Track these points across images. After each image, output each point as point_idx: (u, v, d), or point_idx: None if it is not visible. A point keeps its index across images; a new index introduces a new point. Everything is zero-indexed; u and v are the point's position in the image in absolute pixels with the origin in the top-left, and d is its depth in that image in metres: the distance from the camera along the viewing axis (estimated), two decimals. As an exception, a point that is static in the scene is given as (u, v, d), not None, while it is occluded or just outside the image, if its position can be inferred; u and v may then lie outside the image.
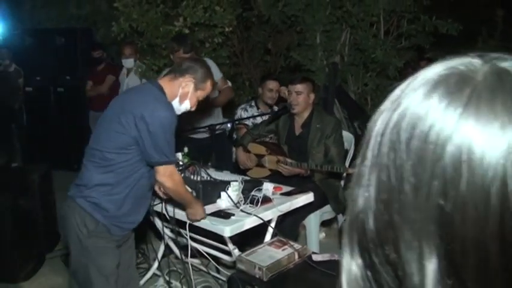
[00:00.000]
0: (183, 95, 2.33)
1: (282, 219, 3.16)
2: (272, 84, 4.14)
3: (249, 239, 2.90)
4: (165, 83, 2.33)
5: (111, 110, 2.33)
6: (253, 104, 4.24)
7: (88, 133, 5.81)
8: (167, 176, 2.28)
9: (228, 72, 5.36)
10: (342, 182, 3.62)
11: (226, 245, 2.78)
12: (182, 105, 2.36)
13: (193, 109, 2.42)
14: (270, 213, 2.68)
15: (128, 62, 4.97)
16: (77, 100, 6.18)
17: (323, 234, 4.03)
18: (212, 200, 2.63)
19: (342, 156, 3.39)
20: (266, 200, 2.72)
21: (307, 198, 2.91)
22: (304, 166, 3.20)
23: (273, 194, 2.83)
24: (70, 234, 2.21)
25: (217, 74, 3.75)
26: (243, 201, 2.67)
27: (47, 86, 6.40)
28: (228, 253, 2.90)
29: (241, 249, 2.73)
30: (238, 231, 2.52)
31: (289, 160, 3.29)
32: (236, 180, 2.78)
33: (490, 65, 0.41)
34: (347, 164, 3.49)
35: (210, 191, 2.68)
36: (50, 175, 4.13)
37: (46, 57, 6.16)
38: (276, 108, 4.10)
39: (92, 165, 2.23)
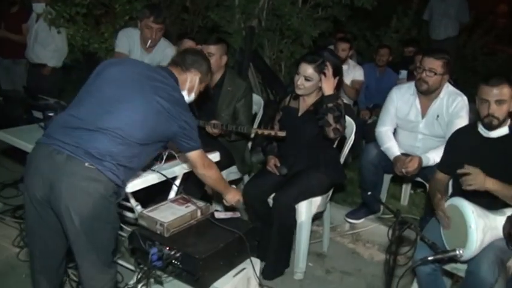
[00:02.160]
0: (190, 88, 2.40)
1: (188, 177, 3.22)
2: (188, 43, 4.08)
3: (156, 198, 2.91)
4: (178, 75, 2.34)
5: (131, 92, 2.15)
6: None
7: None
8: (206, 165, 2.47)
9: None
10: (249, 144, 3.71)
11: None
12: (189, 98, 2.43)
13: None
14: (176, 170, 2.71)
15: (39, 7, 4.70)
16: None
17: None
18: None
19: (250, 120, 3.47)
20: (171, 157, 2.74)
21: (212, 157, 2.94)
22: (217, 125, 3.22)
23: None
24: (92, 205, 2.02)
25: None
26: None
27: None
28: (132, 210, 2.90)
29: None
30: (140, 187, 2.52)
31: (196, 120, 3.31)
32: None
33: None
34: (255, 126, 3.58)
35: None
36: None
37: None
38: None
39: (113, 144, 2.06)
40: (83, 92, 2.19)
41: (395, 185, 4.14)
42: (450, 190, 2.77)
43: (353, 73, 5.01)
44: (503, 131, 2.47)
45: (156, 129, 2.17)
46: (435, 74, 3.11)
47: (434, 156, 3.10)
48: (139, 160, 2.22)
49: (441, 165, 2.75)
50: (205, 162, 2.49)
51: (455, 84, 3.51)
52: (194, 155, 2.41)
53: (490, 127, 2.46)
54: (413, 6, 6.99)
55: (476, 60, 7.45)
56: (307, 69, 2.97)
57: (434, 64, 3.10)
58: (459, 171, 2.34)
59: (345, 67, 4.94)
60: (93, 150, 2.01)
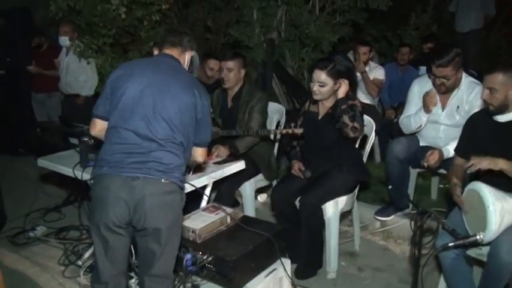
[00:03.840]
0: (187, 66, 2.51)
1: (219, 187, 3.37)
2: (213, 63, 4.27)
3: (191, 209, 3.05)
4: (178, 56, 2.44)
5: (157, 94, 2.22)
6: None
7: (31, 115, 5.80)
8: (205, 155, 2.49)
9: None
10: (276, 147, 3.85)
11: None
12: None
13: None
14: (203, 181, 2.86)
15: (62, 40, 4.99)
16: (19, 82, 6.09)
17: (265, 195, 4.37)
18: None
19: (262, 126, 3.53)
20: (199, 168, 2.90)
21: (238, 166, 3.10)
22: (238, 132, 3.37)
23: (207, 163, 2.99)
24: (170, 215, 2.21)
25: None
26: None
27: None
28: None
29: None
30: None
31: (220, 131, 3.48)
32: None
33: None
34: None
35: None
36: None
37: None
38: None
39: (171, 153, 2.21)
40: (115, 118, 2.23)
41: (424, 180, 4.17)
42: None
43: (373, 73, 5.08)
44: (511, 115, 2.52)
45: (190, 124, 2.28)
46: (448, 79, 3.17)
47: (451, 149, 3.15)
48: (187, 154, 2.35)
49: (458, 149, 2.81)
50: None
51: (478, 77, 3.52)
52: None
53: (489, 113, 2.54)
54: (430, 2, 6.98)
55: (500, 49, 7.37)
56: (321, 75, 3.08)
57: (445, 71, 3.15)
58: (468, 164, 2.41)
59: (366, 69, 5.05)
60: (161, 166, 2.16)
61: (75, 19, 5.13)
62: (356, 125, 3.00)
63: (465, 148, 2.73)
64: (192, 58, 2.52)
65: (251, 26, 5.63)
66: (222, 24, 6.27)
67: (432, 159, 3.18)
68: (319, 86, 3.09)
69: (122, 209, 2.14)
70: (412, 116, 3.44)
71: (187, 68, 2.49)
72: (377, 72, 5.12)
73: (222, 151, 3.26)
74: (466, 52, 6.48)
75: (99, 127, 2.34)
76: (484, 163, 2.36)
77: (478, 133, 2.65)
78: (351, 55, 5.69)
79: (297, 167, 3.30)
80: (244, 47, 5.68)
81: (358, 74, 5.08)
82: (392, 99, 5.35)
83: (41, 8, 6.64)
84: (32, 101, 5.78)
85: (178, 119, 2.20)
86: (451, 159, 3.14)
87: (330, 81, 3.07)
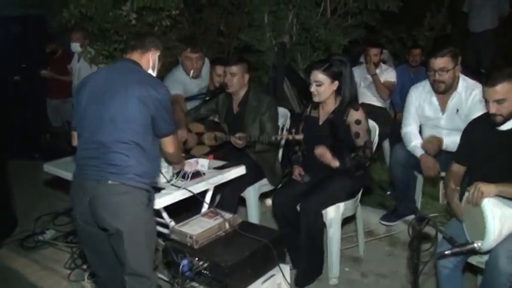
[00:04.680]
0: (153, 66, 2.57)
1: (223, 191, 3.38)
2: (220, 69, 4.28)
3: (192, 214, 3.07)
4: (137, 58, 2.51)
5: (107, 100, 2.32)
6: None
7: (46, 121, 5.92)
8: (175, 145, 2.52)
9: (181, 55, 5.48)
10: (280, 152, 3.84)
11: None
12: (154, 74, 2.60)
13: None
14: (201, 186, 2.86)
15: (74, 46, 5.11)
16: (34, 88, 6.23)
17: (269, 201, 4.29)
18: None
19: (276, 131, 3.58)
20: (197, 174, 2.91)
21: (238, 171, 3.09)
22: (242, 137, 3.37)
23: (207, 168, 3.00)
24: (126, 216, 2.27)
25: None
26: (175, 177, 2.85)
27: (3, 75, 6.42)
28: (167, 226, 3.08)
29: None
30: (168, 203, 2.68)
31: (224, 135, 3.49)
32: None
33: None
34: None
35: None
36: (4, 163, 4.22)
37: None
38: None
39: (121, 153, 2.28)
40: (78, 126, 2.43)
41: (434, 185, 4.11)
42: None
43: (384, 75, 5.02)
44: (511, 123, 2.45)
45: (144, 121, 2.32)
46: (447, 71, 3.13)
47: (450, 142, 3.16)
48: (154, 153, 2.41)
49: (457, 156, 2.75)
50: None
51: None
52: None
53: (495, 124, 2.45)
54: (445, 3, 6.88)
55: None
56: (317, 75, 3.08)
57: (443, 62, 3.13)
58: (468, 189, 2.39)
59: (377, 71, 5.00)
60: (113, 168, 2.26)
61: (88, 25, 5.21)
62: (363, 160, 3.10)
63: (464, 156, 2.68)
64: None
65: (262, 30, 5.62)
66: (235, 28, 6.29)
67: (430, 146, 3.19)
68: (317, 85, 3.09)
69: (82, 209, 2.32)
70: (409, 144, 3.42)
71: (153, 67, 2.56)
72: (388, 75, 5.06)
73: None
74: (481, 52, 6.41)
75: (76, 138, 2.49)
76: (479, 192, 2.31)
77: (478, 141, 2.59)
78: (363, 58, 5.66)
79: (297, 172, 3.29)
80: (256, 50, 5.69)
81: (369, 77, 5.05)
82: (404, 101, 5.26)
83: (56, 15, 6.78)
84: (47, 107, 5.90)
85: (125, 118, 2.28)
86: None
87: (326, 80, 3.07)
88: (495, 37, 6.60)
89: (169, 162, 2.77)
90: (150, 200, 2.39)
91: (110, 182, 2.25)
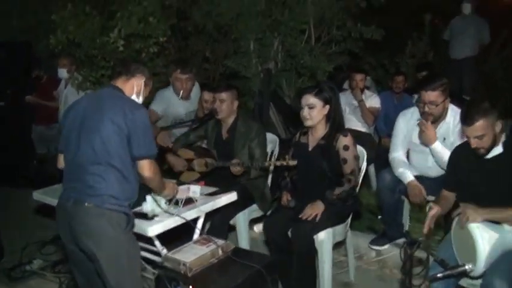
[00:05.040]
0: (138, 91, 2.62)
1: (212, 218, 3.38)
2: (207, 95, 4.31)
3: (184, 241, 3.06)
4: (121, 85, 2.57)
5: (87, 123, 2.41)
6: None
7: (31, 147, 5.87)
8: (152, 169, 2.48)
9: (168, 81, 5.52)
10: (270, 178, 3.87)
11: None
12: (139, 100, 2.64)
13: None
14: (193, 213, 2.87)
15: (60, 72, 5.13)
16: (19, 114, 6.18)
17: (261, 226, 4.28)
18: (138, 204, 2.78)
19: (265, 157, 3.61)
20: (190, 201, 2.92)
21: (229, 198, 3.11)
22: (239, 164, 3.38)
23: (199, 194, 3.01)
24: (102, 239, 2.31)
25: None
26: (167, 204, 2.84)
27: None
28: (159, 255, 3.06)
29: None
30: (161, 231, 2.67)
31: (215, 162, 3.51)
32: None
33: None
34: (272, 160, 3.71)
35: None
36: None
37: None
38: None
39: (97, 175, 2.35)
40: (62, 143, 2.54)
41: (421, 209, 4.16)
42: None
43: (369, 101, 5.12)
44: (497, 150, 2.53)
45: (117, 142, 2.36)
46: (436, 105, 3.20)
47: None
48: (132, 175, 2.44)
49: (446, 183, 2.82)
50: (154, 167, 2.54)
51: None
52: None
53: (480, 156, 2.53)
54: (426, 31, 7.07)
55: (496, 75, 7.43)
56: (309, 98, 3.13)
57: (433, 96, 3.19)
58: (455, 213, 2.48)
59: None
60: (89, 190, 2.32)
61: (75, 52, 5.23)
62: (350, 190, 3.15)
63: (452, 182, 2.75)
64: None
65: (248, 57, 5.70)
66: (221, 55, 6.37)
67: (413, 195, 3.30)
68: (309, 108, 3.14)
69: (64, 231, 2.42)
70: (397, 170, 3.47)
71: (138, 93, 2.60)
72: (372, 101, 5.17)
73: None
74: (461, 79, 6.58)
75: (61, 160, 2.59)
76: (465, 217, 2.38)
77: (464, 168, 2.66)
78: (347, 84, 5.77)
79: (285, 198, 3.32)
80: (242, 76, 5.76)
81: (354, 102, 5.14)
82: (388, 127, 5.35)
83: (42, 40, 6.79)
84: (33, 133, 5.86)
85: (101, 140, 2.33)
86: (438, 188, 3.11)
87: (319, 104, 3.12)
88: (476, 64, 6.79)
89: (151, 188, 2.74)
90: (129, 223, 2.42)
91: (86, 204, 2.31)
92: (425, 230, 2.56)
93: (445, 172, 2.86)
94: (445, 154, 3.04)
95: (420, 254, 2.36)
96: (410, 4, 8.46)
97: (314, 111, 3.13)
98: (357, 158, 3.19)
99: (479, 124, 2.43)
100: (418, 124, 3.30)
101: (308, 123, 3.19)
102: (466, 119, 2.46)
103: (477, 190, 2.55)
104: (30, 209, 4.90)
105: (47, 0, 6.70)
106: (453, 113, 3.30)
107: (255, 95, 5.71)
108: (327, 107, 3.14)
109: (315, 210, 3.07)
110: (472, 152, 2.56)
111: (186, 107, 4.36)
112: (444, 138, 3.29)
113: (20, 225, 4.57)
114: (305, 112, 3.16)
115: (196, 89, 4.45)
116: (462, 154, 2.71)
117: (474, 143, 2.49)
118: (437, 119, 3.28)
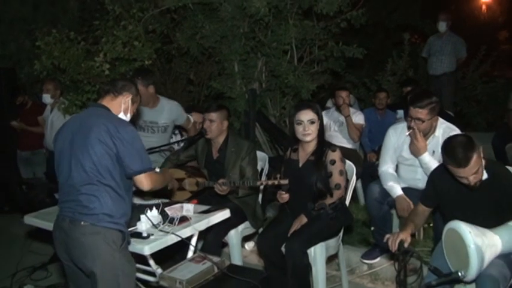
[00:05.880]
0: (125, 109, 2.64)
1: (206, 236, 3.39)
2: (196, 116, 4.34)
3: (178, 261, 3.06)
4: (108, 103, 2.60)
5: (75, 143, 2.45)
6: (176, 132, 4.48)
7: (16, 172, 5.82)
8: (150, 181, 2.49)
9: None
10: (260, 196, 3.90)
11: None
12: (126, 118, 2.66)
13: None
14: (188, 231, 2.88)
15: (45, 97, 5.13)
16: (4, 140, 6.14)
17: (252, 243, 4.39)
18: (132, 224, 2.79)
19: (256, 176, 3.65)
20: (184, 219, 2.93)
21: (223, 215, 3.13)
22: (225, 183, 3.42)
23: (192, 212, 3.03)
24: (98, 257, 2.34)
25: (184, 115, 4.28)
26: (162, 222, 2.86)
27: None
28: (154, 274, 3.06)
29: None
30: (157, 249, 2.68)
31: (206, 181, 3.54)
32: (155, 204, 2.98)
33: None
34: (263, 179, 3.75)
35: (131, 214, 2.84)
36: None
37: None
38: None
39: (90, 195, 2.38)
40: (56, 166, 2.56)
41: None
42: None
43: (353, 118, 5.21)
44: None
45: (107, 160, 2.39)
46: (423, 122, 3.26)
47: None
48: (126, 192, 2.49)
49: (423, 198, 2.86)
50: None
51: (455, 118, 3.59)
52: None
53: (474, 187, 2.54)
54: (406, 49, 7.26)
55: (476, 90, 7.64)
56: (309, 113, 3.22)
57: (420, 114, 3.24)
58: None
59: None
60: (84, 209, 2.36)
61: (60, 77, 5.25)
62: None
63: (430, 199, 2.82)
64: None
65: (233, 78, 5.79)
66: (205, 77, 6.44)
67: (401, 209, 3.37)
68: (310, 123, 3.21)
69: (61, 249, 2.48)
70: (386, 184, 3.53)
71: (125, 110, 2.63)
72: (357, 117, 5.26)
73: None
74: (440, 94, 6.75)
75: None
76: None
77: (446, 189, 2.70)
78: (330, 102, 5.88)
79: (279, 193, 3.26)
80: (227, 97, 5.83)
81: (341, 119, 5.23)
82: (373, 142, 5.46)
83: (26, 66, 6.80)
84: (17, 159, 5.82)
85: (90, 160, 2.37)
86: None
87: (316, 118, 3.22)
88: (454, 79, 6.97)
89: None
90: (124, 240, 2.45)
91: (82, 223, 2.36)
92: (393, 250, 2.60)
93: (425, 187, 2.91)
94: (434, 165, 3.10)
95: (413, 263, 2.40)
96: (389, 23, 8.73)
97: (314, 126, 3.21)
98: (342, 172, 3.24)
99: (474, 160, 2.43)
100: (410, 134, 3.36)
101: (307, 138, 3.24)
102: (461, 162, 2.44)
103: (463, 213, 2.57)
104: (17, 236, 4.84)
105: (29, 27, 6.73)
106: (443, 126, 3.38)
107: (241, 115, 5.78)
108: (319, 122, 3.22)
109: (297, 224, 3.16)
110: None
111: (152, 115, 4.07)
112: (434, 152, 3.36)
113: (8, 252, 4.50)
114: (306, 127, 3.21)
115: (170, 104, 4.21)
116: (445, 173, 2.67)
117: (473, 180, 2.49)
118: (426, 134, 3.36)
